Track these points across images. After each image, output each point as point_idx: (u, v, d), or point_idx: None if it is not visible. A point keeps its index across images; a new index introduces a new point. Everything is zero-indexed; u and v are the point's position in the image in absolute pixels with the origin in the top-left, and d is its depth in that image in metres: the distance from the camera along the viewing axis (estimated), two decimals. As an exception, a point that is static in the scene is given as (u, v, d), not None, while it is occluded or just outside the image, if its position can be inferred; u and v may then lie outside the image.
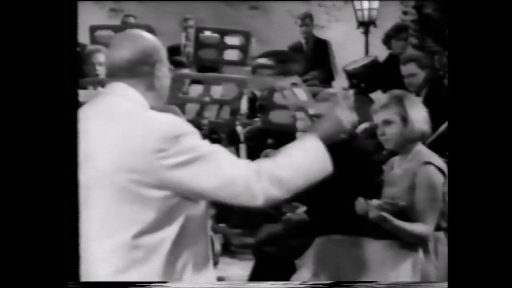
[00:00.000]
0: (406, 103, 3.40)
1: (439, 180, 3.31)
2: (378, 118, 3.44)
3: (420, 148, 3.46)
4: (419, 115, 3.42)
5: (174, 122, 2.32)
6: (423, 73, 5.39)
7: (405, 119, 3.38)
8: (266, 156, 3.89)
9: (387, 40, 6.91)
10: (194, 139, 2.31)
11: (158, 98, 2.45)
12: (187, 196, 2.30)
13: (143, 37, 2.44)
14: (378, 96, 3.59)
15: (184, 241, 2.32)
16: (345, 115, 2.45)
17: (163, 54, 2.46)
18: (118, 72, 2.40)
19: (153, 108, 2.42)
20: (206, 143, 2.33)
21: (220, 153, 2.31)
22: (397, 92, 3.59)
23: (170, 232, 2.30)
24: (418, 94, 5.30)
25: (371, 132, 3.95)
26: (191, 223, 2.34)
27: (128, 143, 2.26)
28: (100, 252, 2.28)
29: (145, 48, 2.41)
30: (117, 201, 2.26)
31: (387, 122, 3.40)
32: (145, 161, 2.25)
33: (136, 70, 2.39)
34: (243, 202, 2.29)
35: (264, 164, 2.33)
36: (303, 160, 2.34)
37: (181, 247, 2.31)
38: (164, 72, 2.45)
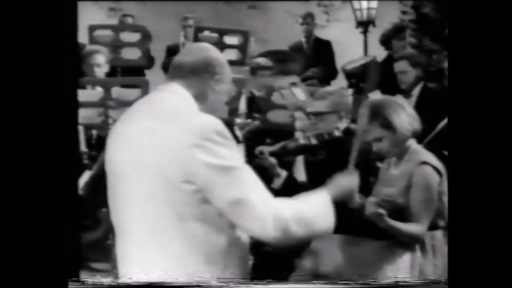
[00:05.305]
0: (386, 111, 3.35)
1: (435, 180, 3.30)
2: (369, 137, 3.41)
3: (417, 147, 3.44)
4: (403, 117, 3.37)
5: (220, 124, 2.35)
6: (414, 71, 5.42)
7: (391, 127, 3.34)
8: (261, 153, 3.88)
9: (387, 40, 6.92)
10: (233, 148, 2.35)
11: (209, 110, 2.45)
12: (210, 198, 2.31)
13: (214, 50, 2.52)
14: (359, 111, 3.47)
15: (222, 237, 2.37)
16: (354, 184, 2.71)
17: (227, 73, 2.51)
18: (178, 72, 2.45)
19: None
20: (240, 157, 2.38)
21: (250, 173, 2.36)
22: (375, 101, 3.49)
23: (209, 231, 2.33)
24: (410, 92, 5.40)
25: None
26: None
27: (171, 137, 2.29)
28: (146, 251, 2.29)
29: (212, 58, 2.48)
30: (165, 196, 2.28)
31: (377, 139, 3.39)
32: (185, 154, 2.27)
33: (195, 71, 2.44)
34: (249, 226, 2.34)
35: (283, 206, 2.39)
36: (311, 213, 2.46)
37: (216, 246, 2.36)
38: (222, 89, 2.49)
